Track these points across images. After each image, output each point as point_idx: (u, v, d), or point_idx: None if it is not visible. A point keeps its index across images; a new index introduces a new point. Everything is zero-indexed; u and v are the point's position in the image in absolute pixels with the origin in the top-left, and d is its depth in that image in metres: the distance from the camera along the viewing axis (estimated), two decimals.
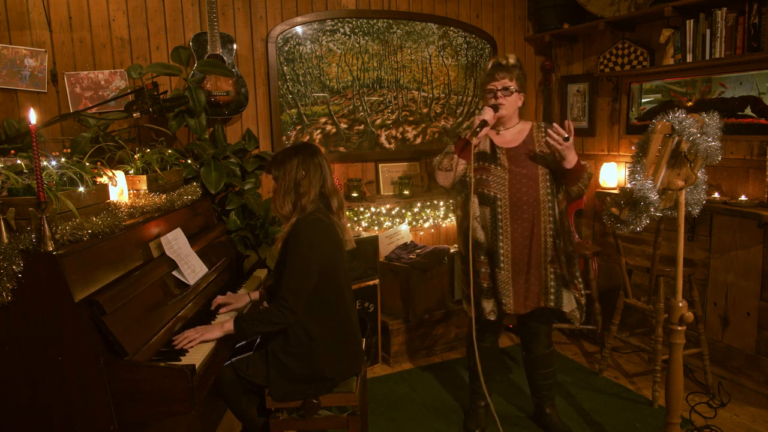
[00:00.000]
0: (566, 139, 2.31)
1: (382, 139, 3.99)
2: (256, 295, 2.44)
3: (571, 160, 2.37)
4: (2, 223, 1.64)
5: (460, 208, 2.62)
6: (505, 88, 2.46)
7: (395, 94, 3.99)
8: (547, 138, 2.31)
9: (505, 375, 3.30)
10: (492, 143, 2.54)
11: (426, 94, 4.08)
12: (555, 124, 2.33)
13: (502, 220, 2.49)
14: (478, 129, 2.37)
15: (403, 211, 3.99)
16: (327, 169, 2.22)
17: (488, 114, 2.42)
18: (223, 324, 2.06)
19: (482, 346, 2.64)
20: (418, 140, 4.09)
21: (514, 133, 2.56)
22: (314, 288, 2.10)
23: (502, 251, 2.50)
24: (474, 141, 2.40)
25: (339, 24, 3.76)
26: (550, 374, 2.70)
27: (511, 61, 2.50)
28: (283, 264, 2.12)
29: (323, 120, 3.80)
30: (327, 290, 2.15)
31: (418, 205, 4.01)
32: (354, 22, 3.80)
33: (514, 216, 2.48)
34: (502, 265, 2.51)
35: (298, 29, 3.65)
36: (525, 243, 2.49)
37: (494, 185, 2.48)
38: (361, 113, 3.90)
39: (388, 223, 3.92)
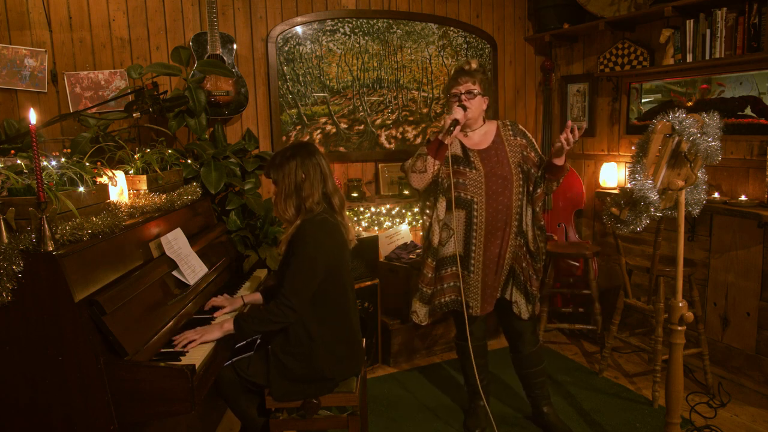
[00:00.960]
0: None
1: (382, 139, 3.99)
2: (250, 298, 2.43)
3: (563, 157, 2.45)
4: (2, 223, 1.64)
5: (431, 209, 2.65)
6: (469, 92, 2.50)
7: (395, 94, 3.99)
8: (561, 136, 2.37)
9: (502, 376, 3.30)
10: (463, 146, 2.56)
11: (426, 94, 4.08)
12: (571, 123, 2.37)
13: (477, 223, 2.51)
14: (450, 128, 2.40)
15: (403, 211, 3.99)
16: (327, 168, 2.21)
17: (459, 113, 2.45)
18: (223, 324, 2.06)
19: (464, 345, 2.66)
20: (418, 140, 4.08)
21: (481, 135, 2.59)
22: (318, 288, 2.10)
23: (473, 254, 2.53)
24: (447, 140, 2.44)
25: (339, 24, 3.76)
26: (540, 372, 2.71)
27: (474, 66, 2.56)
28: (287, 265, 2.11)
29: (323, 120, 3.80)
30: (331, 290, 2.15)
31: (419, 205, 4.00)
32: (354, 22, 3.80)
33: (489, 218, 2.51)
34: (472, 268, 2.54)
35: (298, 29, 3.65)
36: (497, 243, 2.53)
37: (471, 188, 2.51)
38: (361, 113, 3.90)
39: (388, 223, 3.92)
